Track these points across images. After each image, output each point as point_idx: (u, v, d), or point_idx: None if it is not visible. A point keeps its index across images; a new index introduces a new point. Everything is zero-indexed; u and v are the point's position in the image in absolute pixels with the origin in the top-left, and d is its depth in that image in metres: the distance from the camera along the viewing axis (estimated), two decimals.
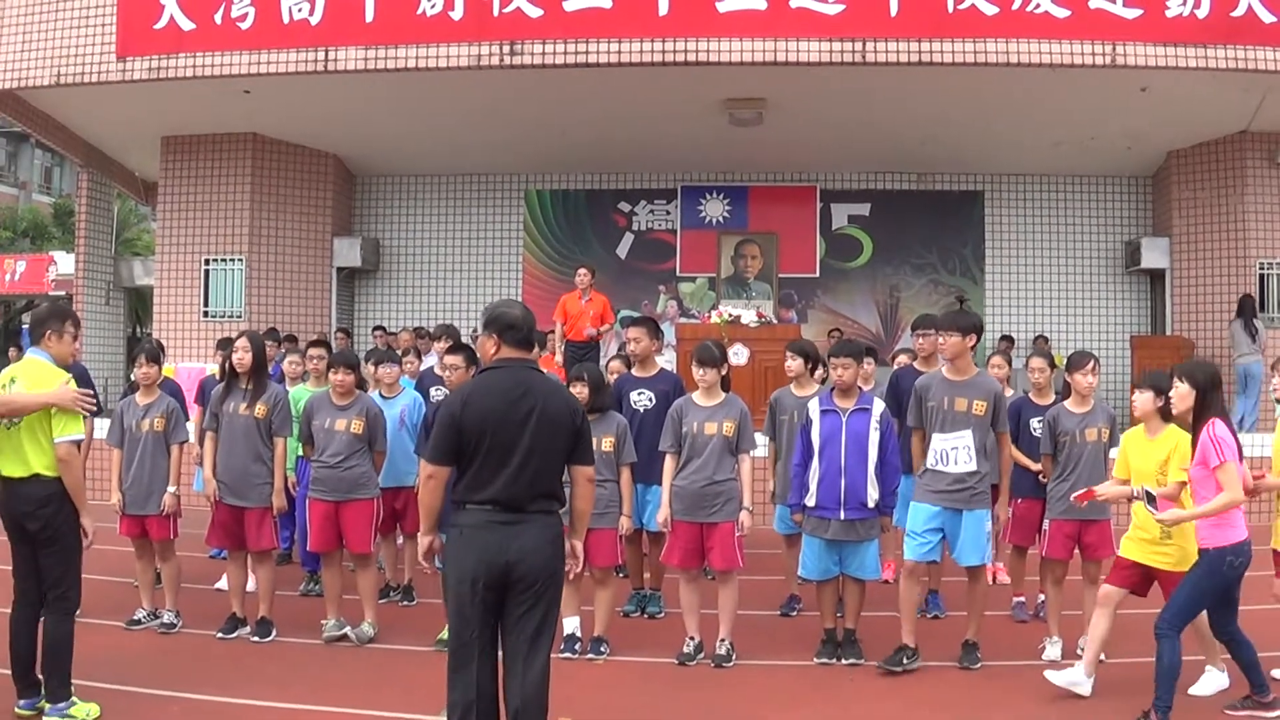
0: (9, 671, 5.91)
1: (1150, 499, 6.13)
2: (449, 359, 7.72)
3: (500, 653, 4.82)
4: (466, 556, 4.74)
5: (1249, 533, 5.99)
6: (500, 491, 4.75)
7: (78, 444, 5.89)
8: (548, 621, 4.82)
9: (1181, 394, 6.20)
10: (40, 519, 5.71)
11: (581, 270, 13.82)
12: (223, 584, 8.65)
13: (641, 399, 8.50)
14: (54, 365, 5.97)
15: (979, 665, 7.15)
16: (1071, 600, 7.51)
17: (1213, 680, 6.65)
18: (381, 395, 8.62)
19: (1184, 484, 6.18)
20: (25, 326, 6.04)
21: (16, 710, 5.84)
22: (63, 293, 22.38)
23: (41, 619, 5.81)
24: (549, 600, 4.82)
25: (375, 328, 17.00)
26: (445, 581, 4.88)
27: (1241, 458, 6.03)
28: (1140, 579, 6.51)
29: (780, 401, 8.32)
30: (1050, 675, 6.67)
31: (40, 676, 5.84)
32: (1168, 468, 6.40)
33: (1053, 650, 7.33)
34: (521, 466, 4.76)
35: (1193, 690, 6.53)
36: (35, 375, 5.87)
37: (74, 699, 5.84)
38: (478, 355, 7.75)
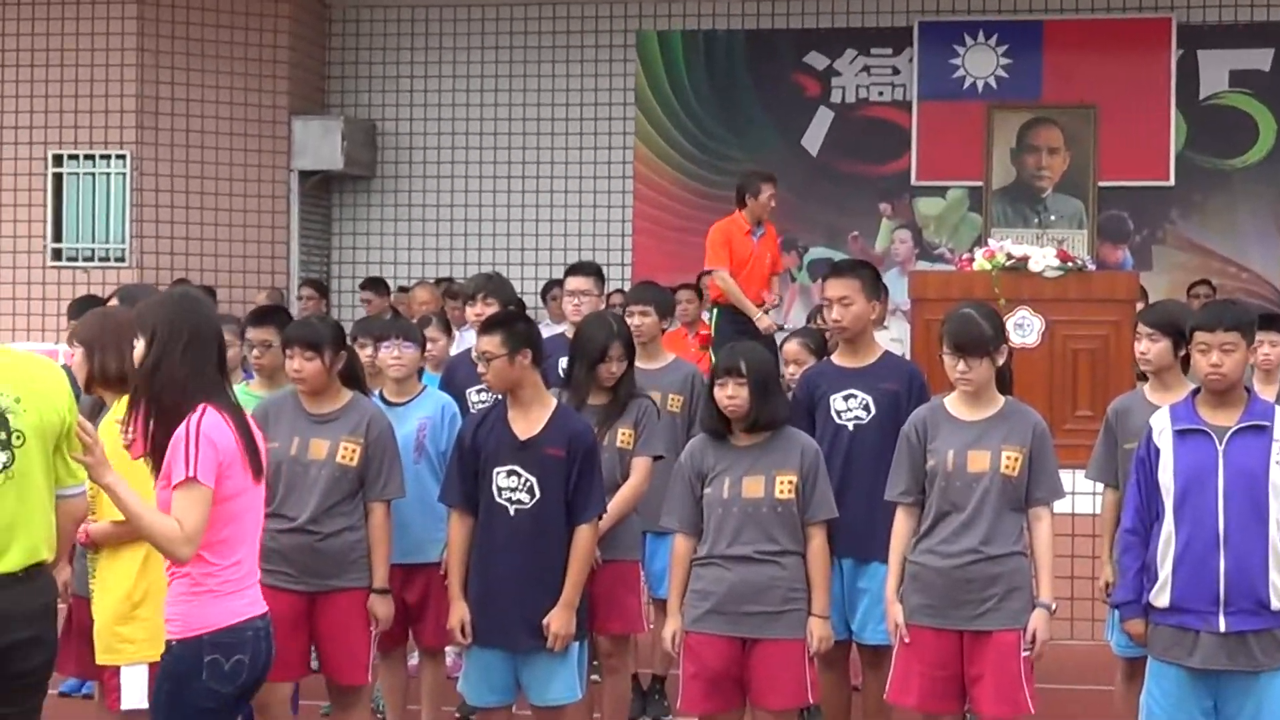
0: None
1: None
2: (482, 342, 5.80)
3: None
4: None
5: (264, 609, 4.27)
6: None
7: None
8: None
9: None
10: None
11: (765, 185, 10.42)
12: None
13: (851, 407, 6.23)
14: None
15: None
16: None
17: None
18: (384, 398, 6.42)
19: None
20: None
21: None
22: None
23: None
24: None
25: (366, 281, 12.51)
26: None
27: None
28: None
29: (1129, 416, 6.11)
30: None
31: None
32: None
33: None
34: None
35: None
36: None
37: None
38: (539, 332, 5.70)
